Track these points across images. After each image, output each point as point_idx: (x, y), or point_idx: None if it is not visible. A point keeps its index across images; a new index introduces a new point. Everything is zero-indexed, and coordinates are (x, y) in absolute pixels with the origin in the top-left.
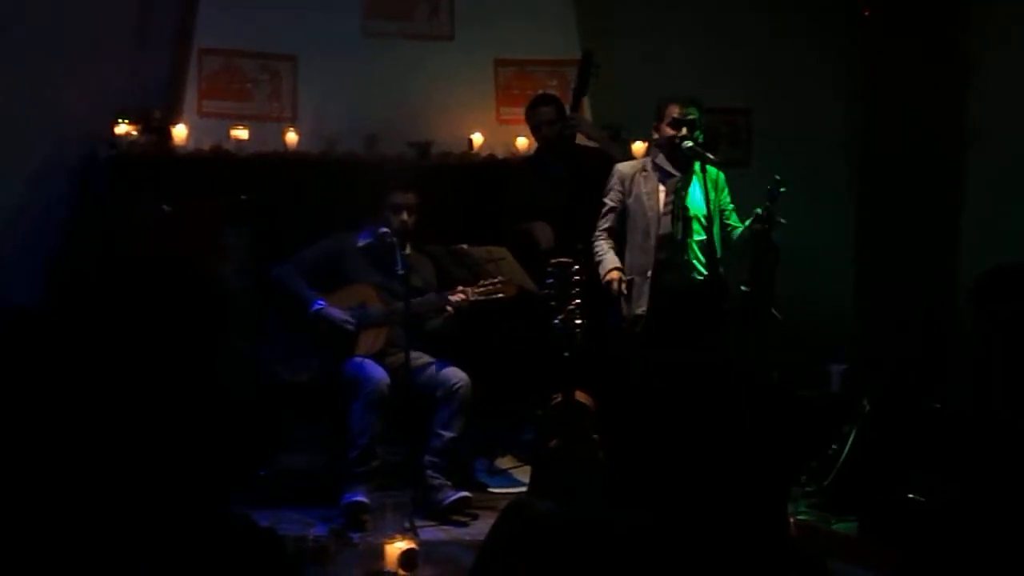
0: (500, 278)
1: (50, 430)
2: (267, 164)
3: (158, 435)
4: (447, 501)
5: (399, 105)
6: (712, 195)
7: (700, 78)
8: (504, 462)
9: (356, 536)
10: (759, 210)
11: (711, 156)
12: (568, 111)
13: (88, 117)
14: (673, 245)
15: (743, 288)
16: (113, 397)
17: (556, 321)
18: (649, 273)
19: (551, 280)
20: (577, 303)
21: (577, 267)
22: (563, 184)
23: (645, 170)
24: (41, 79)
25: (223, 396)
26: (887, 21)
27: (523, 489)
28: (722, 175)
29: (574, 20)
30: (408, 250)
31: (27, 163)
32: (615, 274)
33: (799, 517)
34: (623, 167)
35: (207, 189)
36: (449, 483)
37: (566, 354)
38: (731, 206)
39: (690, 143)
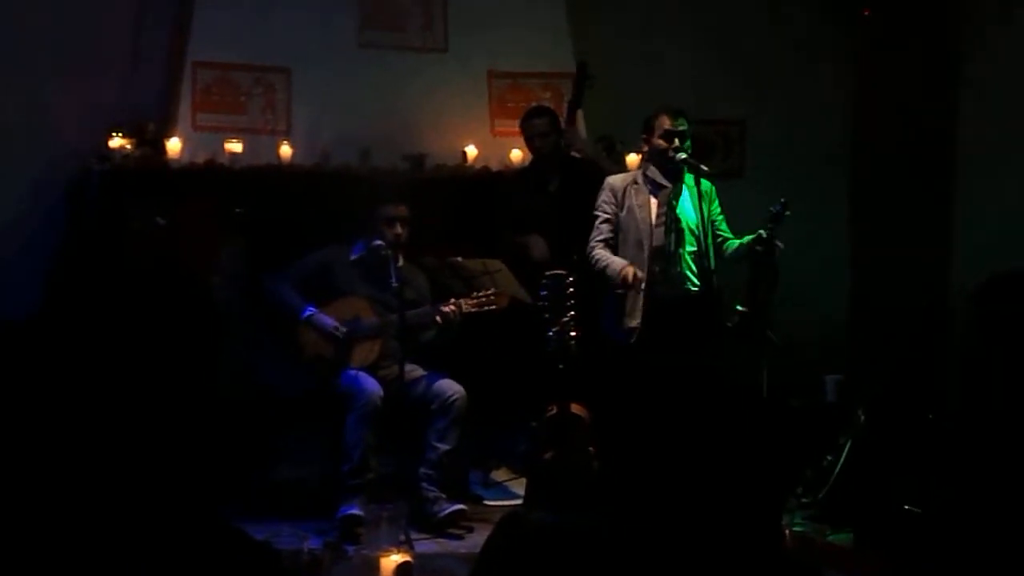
0: (492, 290)
1: (46, 440)
2: (261, 177)
3: (153, 445)
4: (442, 513)
5: (393, 118)
6: (703, 206)
7: (694, 90)
8: (499, 474)
9: (351, 549)
10: (763, 232)
11: (704, 167)
12: (563, 123)
13: (82, 131)
14: (666, 257)
15: (739, 308)
16: (109, 408)
17: (551, 333)
18: (643, 285)
19: (545, 292)
20: (572, 315)
21: (572, 279)
22: (557, 196)
23: (636, 182)
24: (35, 93)
25: (217, 407)
26: (880, 32)
27: (518, 501)
28: (712, 186)
29: (568, 32)
30: (401, 262)
31: (22, 177)
32: (630, 268)
33: (795, 528)
34: (614, 179)
35: (201, 202)
36: (444, 495)
37: (561, 366)
38: (721, 216)
39: (684, 155)
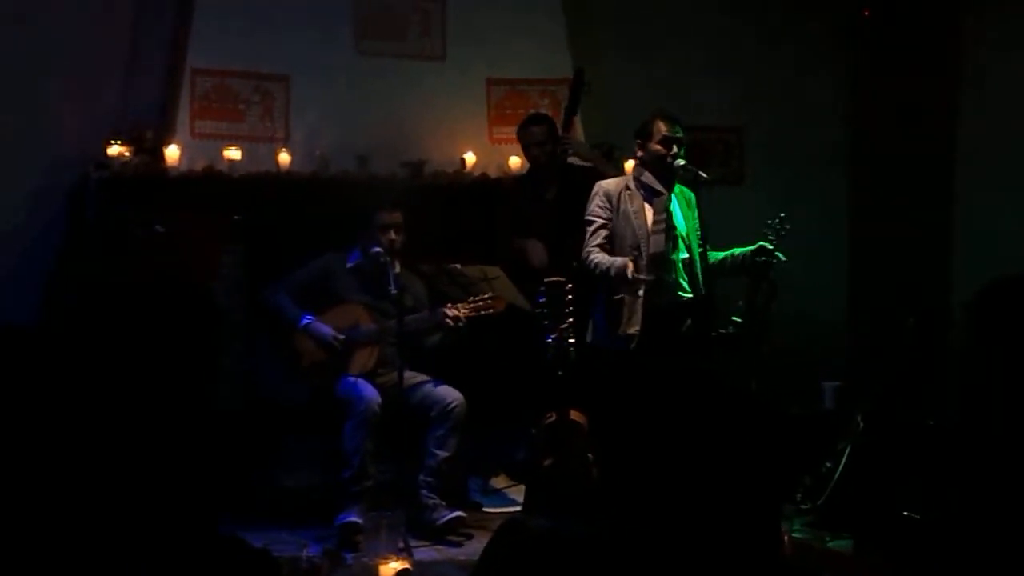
0: (490, 295)
1: (43, 449)
2: (260, 184)
3: (151, 456)
4: (441, 521)
5: (391, 125)
6: (691, 213)
7: (692, 96)
8: (498, 481)
9: (350, 556)
10: (767, 244)
11: (703, 174)
12: (560, 130)
13: (81, 138)
14: (664, 263)
15: (736, 319)
16: (107, 418)
17: (549, 340)
18: (641, 292)
19: (544, 299)
20: (570, 322)
21: (570, 286)
22: (555, 204)
23: (629, 188)
24: (34, 100)
25: (216, 415)
26: (879, 37)
27: (517, 508)
28: (693, 194)
29: (565, 39)
30: (398, 269)
31: (20, 185)
32: (630, 263)
33: (794, 535)
34: (607, 184)
35: (200, 210)
36: (443, 503)
37: (559, 373)
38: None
39: (683, 161)
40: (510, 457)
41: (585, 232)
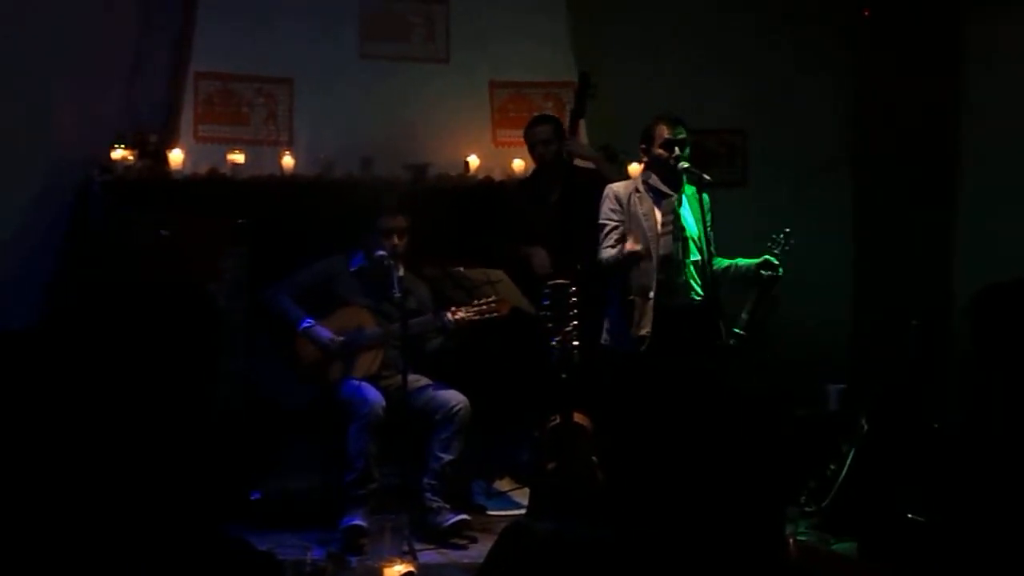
0: (494, 298)
1: (45, 452)
2: (264, 188)
3: (153, 458)
4: (446, 524)
5: (395, 128)
6: (703, 216)
7: (695, 99)
8: (502, 484)
9: (354, 560)
10: (773, 259)
11: (707, 176)
12: (567, 132)
13: (85, 142)
14: (674, 266)
15: (737, 331)
16: (109, 419)
17: (553, 343)
18: (651, 294)
19: (548, 302)
20: (574, 325)
21: (574, 289)
22: (559, 207)
23: (638, 191)
24: (38, 104)
25: (216, 419)
26: (881, 39)
27: (522, 511)
28: (707, 197)
29: (569, 42)
30: (402, 272)
31: (24, 188)
32: (630, 243)
33: (798, 538)
34: (617, 187)
35: (204, 213)
36: (447, 506)
37: (563, 376)
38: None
39: (686, 163)
40: (514, 460)
41: (591, 235)
